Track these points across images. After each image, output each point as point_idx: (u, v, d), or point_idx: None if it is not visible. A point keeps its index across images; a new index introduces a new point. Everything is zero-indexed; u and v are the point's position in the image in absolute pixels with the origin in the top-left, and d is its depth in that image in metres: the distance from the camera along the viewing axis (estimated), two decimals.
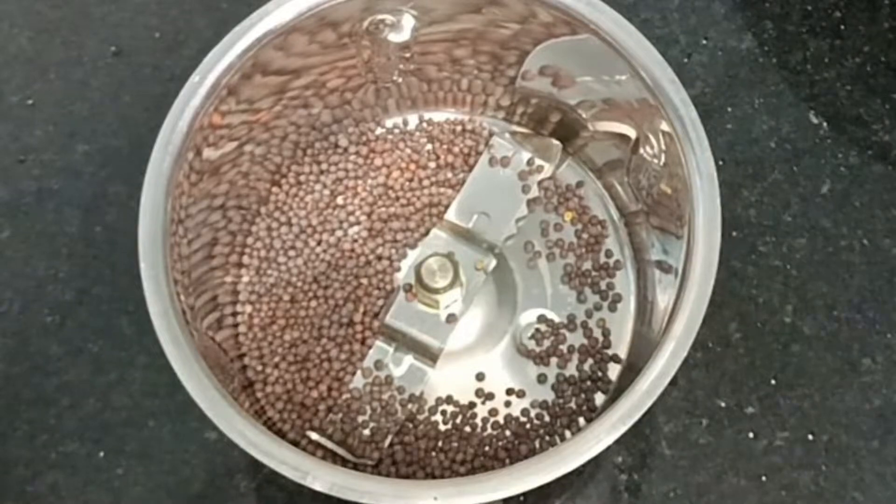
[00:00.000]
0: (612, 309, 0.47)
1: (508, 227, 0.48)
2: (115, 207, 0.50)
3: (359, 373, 0.45)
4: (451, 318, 0.45)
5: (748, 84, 0.53)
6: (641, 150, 0.44)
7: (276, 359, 0.45)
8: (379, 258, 0.47)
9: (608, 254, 0.48)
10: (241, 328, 0.46)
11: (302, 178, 0.48)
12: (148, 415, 0.46)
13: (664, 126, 0.41)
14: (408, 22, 0.45)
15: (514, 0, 0.43)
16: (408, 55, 0.47)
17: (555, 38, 0.44)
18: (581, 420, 0.45)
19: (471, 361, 0.46)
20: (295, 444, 0.43)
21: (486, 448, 0.44)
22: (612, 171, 0.48)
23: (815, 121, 0.52)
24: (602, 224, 0.48)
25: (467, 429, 0.45)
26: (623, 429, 0.36)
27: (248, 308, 0.46)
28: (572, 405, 0.45)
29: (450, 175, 0.49)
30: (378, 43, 0.46)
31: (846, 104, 0.52)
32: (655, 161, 0.43)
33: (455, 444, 0.44)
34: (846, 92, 0.52)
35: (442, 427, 0.45)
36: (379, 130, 0.49)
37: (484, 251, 0.47)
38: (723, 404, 0.47)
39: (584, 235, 0.48)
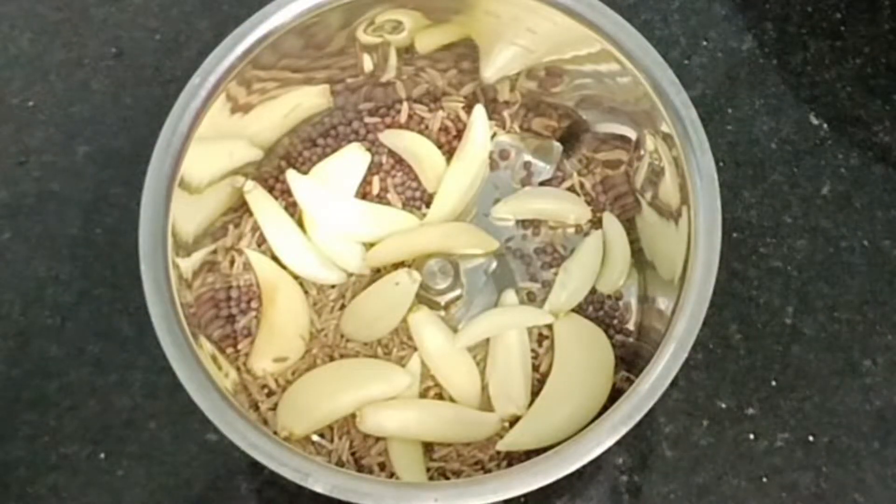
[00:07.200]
0: (613, 308, 0.47)
1: (509, 228, 0.48)
2: (116, 209, 0.50)
3: None
4: None
5: (749, 85, 0.53)
6: (642, 151, 0.44)
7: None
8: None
9: None
10: (240, 329, 0.46)
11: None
12: (149, 416, 0.46)
13: (664, 127, 0.41)
14: (409, 23, 0.45)
15: (514, 5, 0.43)
16: (408, 56, 0.47)
17: (555, 41, 0.44)
18: None
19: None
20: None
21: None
22: (613, 172, 0.48)
23: (815, 122, 0.52)
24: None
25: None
26: (624, 430, 0.36)
27: (247, 312, 0.46)
28: None
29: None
30: (379, 44, 0.46)
31: (847, 105, 0.52)
32: (656, 162, 0.43)
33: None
34: (847, 93, 0.52)
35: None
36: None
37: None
38: (723, 405, 0.47)
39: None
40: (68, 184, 0.50)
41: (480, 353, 0.45)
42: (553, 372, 0.44)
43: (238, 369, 0.45)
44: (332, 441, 0.44)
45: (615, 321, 0.46)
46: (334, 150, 0.48)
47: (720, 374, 0.47)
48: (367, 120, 0.49)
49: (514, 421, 0.43)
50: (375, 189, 0.48)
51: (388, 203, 0.48)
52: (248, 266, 0.46)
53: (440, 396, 0.45)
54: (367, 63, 0.47)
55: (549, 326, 0.45)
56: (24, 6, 0.54)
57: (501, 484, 0.35)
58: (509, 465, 0.43)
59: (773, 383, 0.47)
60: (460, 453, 0.44)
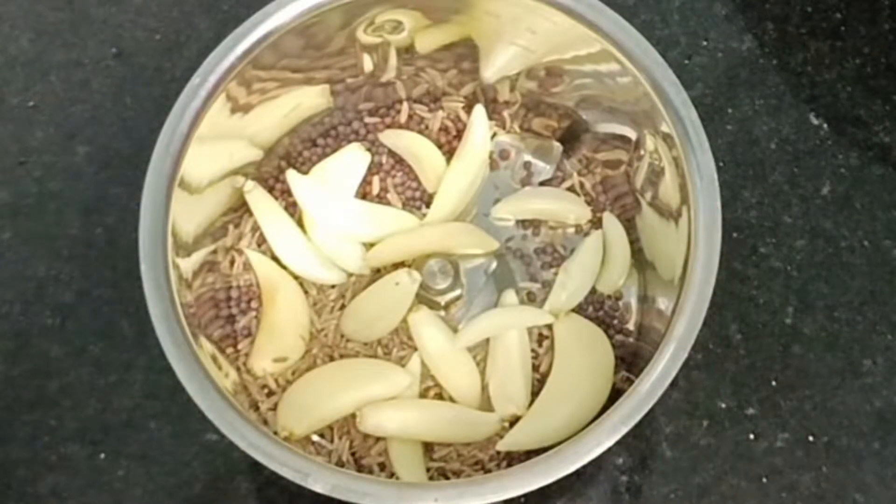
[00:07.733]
0: (613, 308, 0.47)
1: (509, 228, 0.48)
2: (116, 209, 0.50)
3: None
4: None
5: (749, 85, 0.53)
6: (642, 151, 0.44)
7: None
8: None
9: None
10: (240, 329, 0.46)
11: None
12: (149, 416, 0.46)
13: (664, 127, 0.41)
14: (408, 23, 0.45)
15: (514, 5, 0.43)
16: (408, 56, 0.47)
17: (555, 41, 0.44)
18: None
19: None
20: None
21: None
22: (613, 172, 0.48)
23: (815, 122, 0.52)
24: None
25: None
26: (624, 430, 0.36)
27: (247, 312, 0.46)
28: None
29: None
30: (379, 44, 0.46)
31: (846, 105, 0.52)
32: (656, 162, 0.43)
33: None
34: (846, 93, 0.53)
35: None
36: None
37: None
38: (723, 405, 0.47)
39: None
40: (68, 184, 0.50)
41: (480, 353, 0.45)
42: (553, 372, 0.44)
43: (238, 369, 0.45)
44: (332, 441, 0.44)
45: (615, 321, 0.46)
46: (334, 150, 0.48)
47: (720, 374, 0.47)
48: (367, 120, 0.50)
49: (514, 421, 0.43)
50: (375, 189, 0.48)
51: (388, 203, 0.48)
52: (248, 266, 0.47)
53: (440, 396, 0.45)
54: (367, 63, 0.47)
55: (549, 326, 0.45)
56: (24, 6, 0.54)
57: (501, 484, 0.35)
58: (509, 465, 0.43)
59: (773, 383, 0.47)
60: (460, 453, 0.44)
